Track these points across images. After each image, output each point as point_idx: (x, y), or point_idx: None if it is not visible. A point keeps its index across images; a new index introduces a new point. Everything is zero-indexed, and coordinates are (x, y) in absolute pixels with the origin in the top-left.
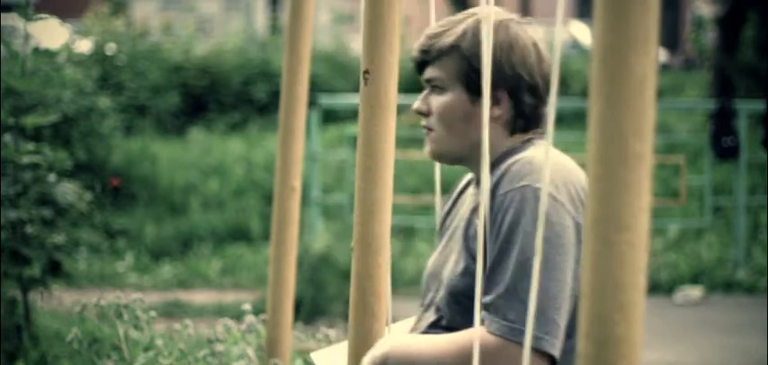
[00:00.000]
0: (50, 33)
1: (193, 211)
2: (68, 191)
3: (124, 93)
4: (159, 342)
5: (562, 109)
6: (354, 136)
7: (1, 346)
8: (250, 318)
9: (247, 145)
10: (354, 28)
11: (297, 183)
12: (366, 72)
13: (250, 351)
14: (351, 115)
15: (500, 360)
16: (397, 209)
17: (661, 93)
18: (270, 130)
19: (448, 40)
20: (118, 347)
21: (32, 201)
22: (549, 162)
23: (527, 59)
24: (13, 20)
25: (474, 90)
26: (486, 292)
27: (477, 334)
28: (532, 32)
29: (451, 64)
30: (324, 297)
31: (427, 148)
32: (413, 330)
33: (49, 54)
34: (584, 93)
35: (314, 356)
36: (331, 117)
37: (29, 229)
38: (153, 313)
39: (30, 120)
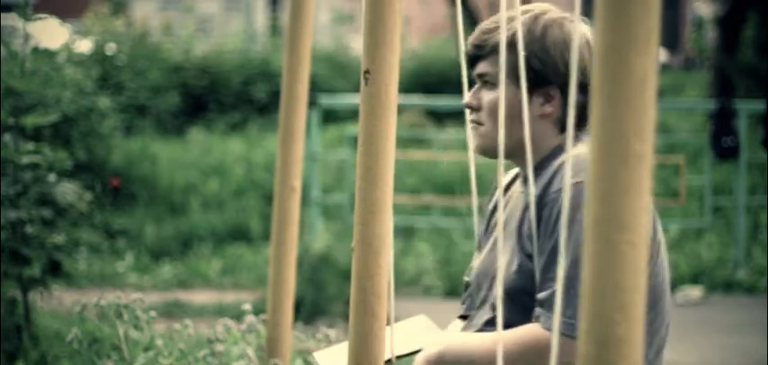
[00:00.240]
0: (50, 33)
1: (193, 211)
2: (68, 191)
3: (124, 93)
4: (159, 342)
5: None
6: (354, 136)
7: (1, 346)
8: (250, 318)
9: (247, 145)
10: (354, 28)
11: (297, 183)
12: (367, 72)
13: (250, 351)
14: (351, 115)
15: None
16: (397, 209)
17: (661, 93)
18: (270, 130)
19: (502, 35)
20: (118, 347)
21: (32, 201)
22: (570, 156)
23: (581, 57)
24: (12, 20)
25: (527, 86)
26: (541, 288)
27: (534, 331)
28: (585, 30)
29: (514, 59)
30: (324, 297)
31: (475, 143)
32: (466, 329)
33: (48, 54)
34: None
35: (316, 355)
36: (331, 117)
37: (29, 229)
38: (153, 313)
39: (30, 120)
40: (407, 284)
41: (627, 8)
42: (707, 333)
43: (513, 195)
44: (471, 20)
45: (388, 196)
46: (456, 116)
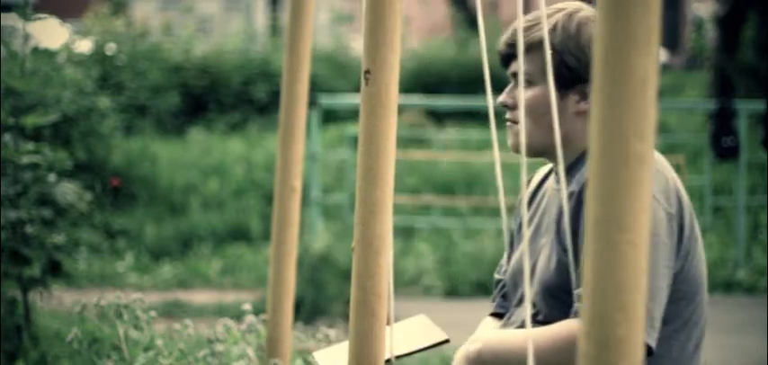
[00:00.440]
0: (50, 33)
1: (193, 211)
2: (68, 191)
3: (124, 93)
4: (159, 342)
5: None
6: (354, 136)
7: (1, 346)
8: (250, 318)
9: (247, 145)
10: (354, 28)
11: (297, 183)
12: (367, 72)
13: (250, 351)
14: (351, 115)
15: None
16: (397, 209)
17: (661, 93)
18: (270, 130)
19: (538, 34)
20: (118, 347)
21: (32, 201)
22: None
23: None
24: (12, 20)
25: (563, 84)
26: (579, 284)
27: (571, 326)
28: None
29: (541, 58)
30: (324, 297)
31: (511, 141)
32: (505, 326)
33: (48, 54)
34: None
35: (316, 355)
36: (331, 117)
37: (29, 229)
38: (153, 313)
39: (30, 120)
40: (407, 284)
41: (627, 8)
42: (707, 333)
43: (546, 191)
44: (471, 20)
45: (388, 196)
46: (456, 116)
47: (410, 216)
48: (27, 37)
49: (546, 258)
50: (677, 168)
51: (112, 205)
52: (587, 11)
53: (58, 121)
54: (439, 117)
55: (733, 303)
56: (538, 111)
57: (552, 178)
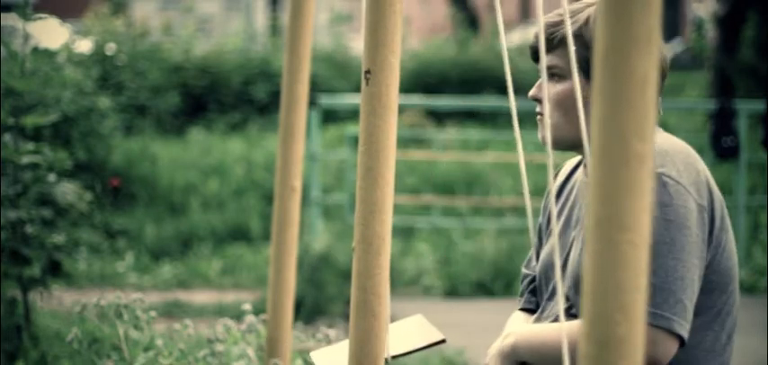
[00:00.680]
0: (50, 33)
1: (193, 211)
2: (68, 191)
3: (124, 93)
4: (159, 342)
5: None
6: (354, 136)
7: (1, 346)
8: (250, 318)
9: (247, 145)
10: (353, 28)
11: (297, 183)
12: (367, 72)
13: (250, 351)
14: (351, 115)
15: None
16: (397, 209)
17: (661, 93)
18: (270, 130)
19: (569, 28)
20: (118, 347)
21: (32, 201)
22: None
23: None
24: (12, 20)
25: (590, 77)
26: None
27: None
28: None
29: (569, 52)
30: (324, 297)
31: (541, 134)
32: (538, 320)
33: (48, 54)
34: None
35: (313, 355)
36: (331, 117)
37: (29, 229)
38: (153, 313)
39: (30, 120)
40: (407, 284)
41: (628, 8)
42: None
43: (575, 184)
44: (471, 20)
45: (388, 196)
46: (456, 116)
47: (410, 216)
48: (27, 37)
49: (577, 251)
50: None
51: (112, 205)
52: None
53: (58, 121)
54: (439, 117)
55: None
56: (567, 105)
57: (581, 170)
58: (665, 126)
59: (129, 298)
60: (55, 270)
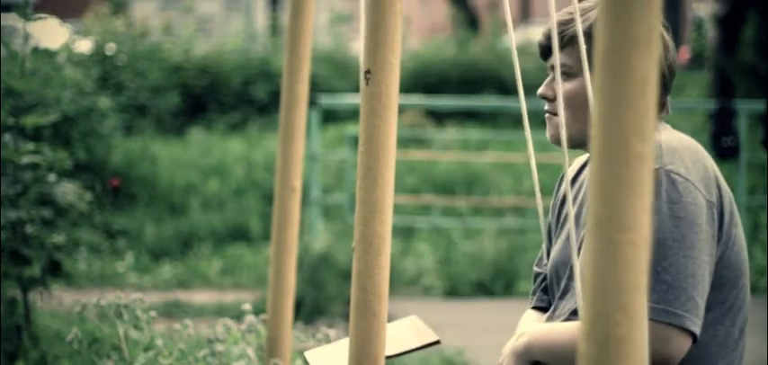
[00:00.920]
0: (50, 33)
1: (193, 211)
2: (68, 191)
3: (124, 93)
4: (159, 342)
5: None
6: (354, 136)
7: (1, 346)
8: (250, 318)
9: (247, 145)
10: (353, 28)
11: (297, 183)
12: (368, 72)
13: (250, 351)
14: (351, 115)
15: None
16: (397, 209)
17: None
18: (270, 130)
19: (580, 26)
20: (118, 347)
21: (32, 201)
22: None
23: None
24: (12, 20)
25: None
26: None
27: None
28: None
29: (579, 51)
30: (324, 297)
31: (550, 133)
32: (550, 319)
33: (48, 54)
34: None
35: (308, 355)
36: (331, 117)
37: (29, 229)
38: (153, 313)
39: (30, 120)
40: (407, 284)
41: (628, 8)
42: None
43: (584, 182)
44: (471, 20)
45: (388, 196)
46: (456, 116)
47: (410, 216)
48: (27, 37)
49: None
50: None
51: (112, 205)
52: None
53: (58, 121)
54: (439, 117)
55: None
56: (576, 103)
57: (588, 168)
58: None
59: (129, 298)
60: (55, 270)
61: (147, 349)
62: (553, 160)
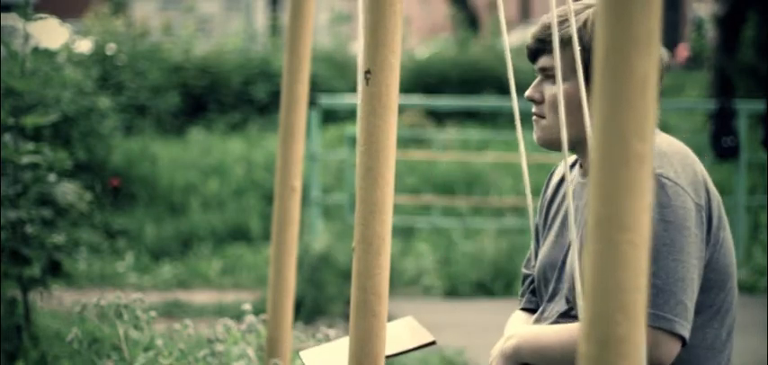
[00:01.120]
0: (50, 33)
1: (193, 211)
2: (68, 191)
3: (124, 93)
4: (159, 342)
5: None
6: (354, 136)
7: (1, 346)
8: (250, 318)
9: (247, 145)
10: (352, 28)
11: (297, 183)
12: (367, 72)
13: (250, 351)
14: (351, 115)
15: None
16: (397, 209)
17: (661, 93)
18: (270, 130)
19: (567, 29)
20: (118, 347)
21: (32, 201)
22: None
23: None
24: (12, 20)
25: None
26: None
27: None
28: None
29: (570, 54)
30: (324, 297)
31: (537, 135)
32: (538, 321)
33: (48, 54)
34: None
35: (303, 355)
36: (331, 117)
37: (29, 229)
38: (153, 313)
39: (30, 120)
40: (407, 284)
41: (628, 9)
42: None
43: (572, 183)
44: (471, 20)
45: (388, 196)
46: (456, 116)
47: (410, 216)
48: (27, 37)
49: (578, 251)
50: None
51: (112, 205)
52: None
53: (58, 121)
54: (439, 117)
55: None
56: (567, 106)
57: (577, 171)
58: (665, 126)
59: (129, 298)
60: (55, 270)
61: (147, 349)
62: (549, 160)
